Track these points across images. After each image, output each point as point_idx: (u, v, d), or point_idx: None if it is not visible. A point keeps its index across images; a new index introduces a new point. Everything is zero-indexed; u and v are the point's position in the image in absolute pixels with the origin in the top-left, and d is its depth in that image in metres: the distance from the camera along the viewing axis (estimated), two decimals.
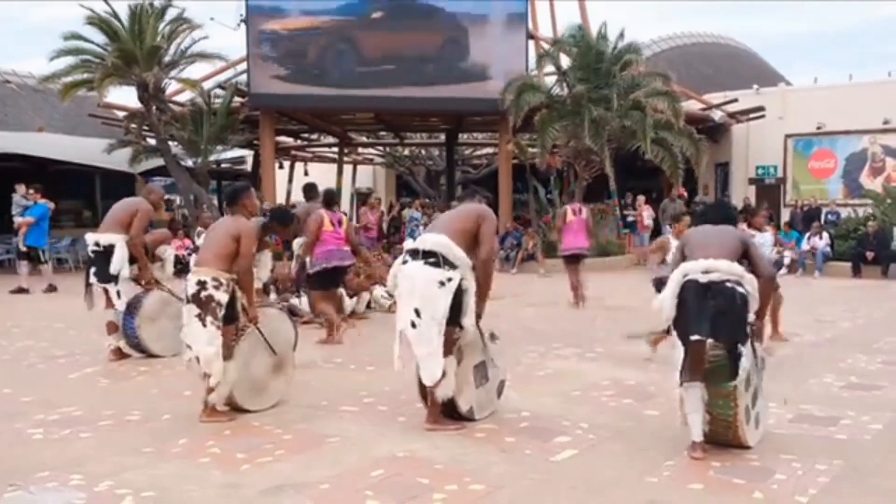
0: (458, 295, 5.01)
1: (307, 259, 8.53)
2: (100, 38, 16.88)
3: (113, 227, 7.50)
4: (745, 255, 4.76)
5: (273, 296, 9.92)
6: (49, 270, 14.01)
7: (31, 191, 14.14)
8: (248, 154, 26.80)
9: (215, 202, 21.29)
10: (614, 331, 9.03)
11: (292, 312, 9.19)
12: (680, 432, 4.74)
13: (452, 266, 5.01)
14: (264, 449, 4.74)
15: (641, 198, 20.31)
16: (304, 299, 9.80)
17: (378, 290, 10.77)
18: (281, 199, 22.33)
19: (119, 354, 7.55)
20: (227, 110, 18.41)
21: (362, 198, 26.35)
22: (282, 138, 23.44)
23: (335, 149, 24.89)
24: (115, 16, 16.82)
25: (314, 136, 25.20)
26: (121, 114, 20.99)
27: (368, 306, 10.63)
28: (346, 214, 10.13)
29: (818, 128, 23.04)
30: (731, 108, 22.58)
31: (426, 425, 5.11)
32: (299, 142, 25.66)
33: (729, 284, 4.52)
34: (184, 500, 3.97)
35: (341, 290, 9.66)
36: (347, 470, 4.38)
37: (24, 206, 14.27)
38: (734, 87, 24.82)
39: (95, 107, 20.50)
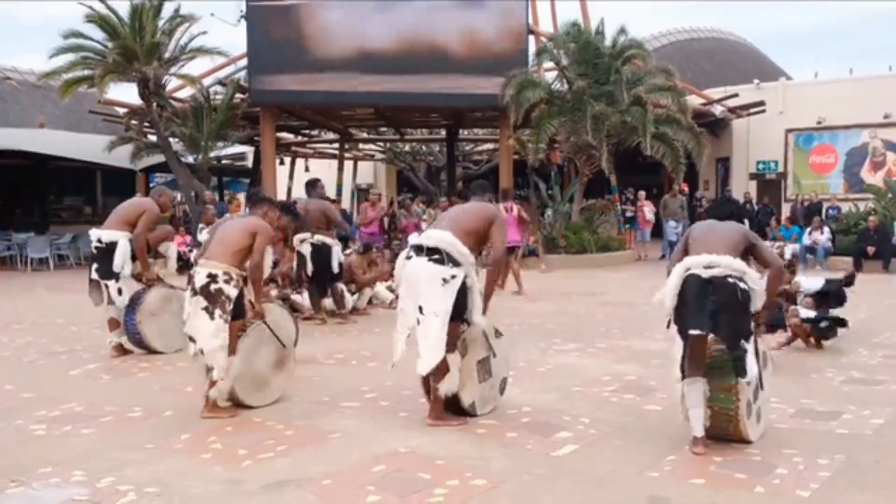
0: (463, 292, 5.02)
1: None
2: (99, 35, 16.87)
3: (118, 225, 7.51)
4: (750, 252, 4.76)
5: (274, 292, 9.92)
6: None
7: None
8: (248, 150, 26.81)
9: (216, 198, 21.30)
10: (615, 326, 9.03)
11: (293, 308, 9.20)
12: (681, 427, 4.74)
13: (456, 263, 5.00)
14: (266, 445, 4.75)
15: (642, 193, 20.30)
16: (305, 295, 9.81)
17: (380, 286, 10.78)
18: (282, 195, 22.35)
19: (121, 351, 7.56)
20: (227, 106, 18.40)
21: (363, 194, 26.35)
22: (282, 134, 23.42)
23: (336, 145, 24.88)
24: (115, 13, 16.80)
25: (315, 132, 25.18)
26: (121, 110, 20.99)
27: (370, 302, 10.64)
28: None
29: (819, 122, 23.03)
30: (732, 102, 22.58)
31: (428, 421, 5.11)
32: (300, 138, 25.64)
33: (731, 280, 4.52)
34: (186, 496, 3.98)
35: (342, 286, 9.69)
36: (349, 465, 4.39)
37: None
38: (734, 82, 24.79)
39: (96, 103, 20.50)
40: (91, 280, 7.57)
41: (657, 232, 19.96)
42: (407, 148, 28.10)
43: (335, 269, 9.39)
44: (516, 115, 16.80)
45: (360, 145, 27.93)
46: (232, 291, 5.36)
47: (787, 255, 14.19)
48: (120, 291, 7.44)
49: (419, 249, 5.11)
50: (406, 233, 15.91)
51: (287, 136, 24.78)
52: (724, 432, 4.68)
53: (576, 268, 16.12)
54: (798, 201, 21.17)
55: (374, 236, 14.41)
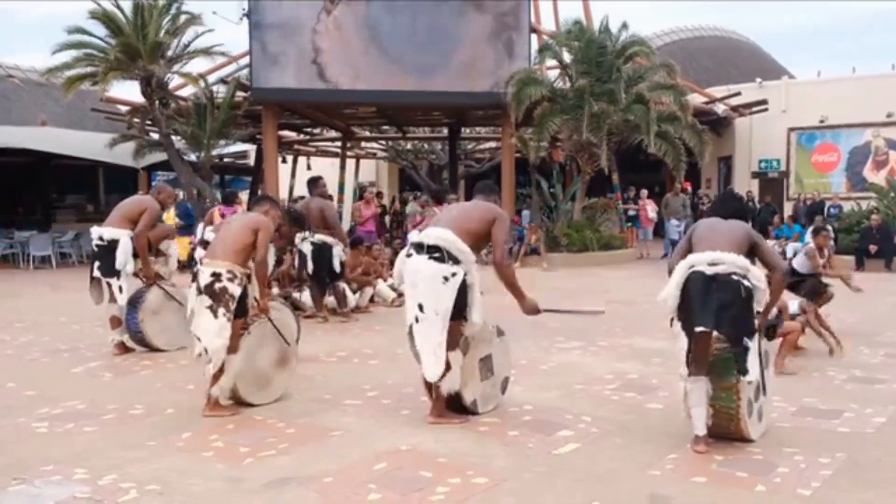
0: (463, 290, 5.01)
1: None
2: (102, 31, 16.87)
3: (119, 222, 7.51)
4: (754, 251, 4.75)
5: (275, 290, 9.92)
6: None
7: None
8: (251, 149, 26.80)
9: (218, 196, 21.30)
10: (617, 324, 9.03)
11: (295, 307, 9.21)
12: (683, 426, 4.74)
13: (456, 261, 4.99)
14: (267, 443, 4.75)
15: (644, 192, 20.28)
16: (307, 294, 9.81)
17: (381, 285, 10.78)
18: (284, 193, 22.36)
19: (123, 349, 7.57)
20: (229, 105, 18.40)
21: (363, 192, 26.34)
22: (285, 133, 23.42)
23: (338, 143, 24.87)
24: (121, 10, 16.81)
25: (317, 131, 25.18)
26: (123, 108, 20.99)
27: (371, 300, 10.64)
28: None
29: (821, 121, 22.99)
30: (734, 101, 22.54)
31: (430, 419, 5.12)
32: (302, 136, 25.63)
33: (735, 277, 4.51)
34: (187, 494, 3.98)
35: (343, 285, 9.69)
36: (351, 463, 4.39)
37: None
38: (737, 81, 24.78)
39: (98, 101, 20.50)
40: (92, 278, 7.58)
41: (659, 231, 19.95)
42: (409, 146, 28.09)
43: (337, 268, 9.39)
44: (517, 112, 16.77)
45: (363, 143, 27.92)
46: (236, 290, 5.37)
47: (789, 254, 14.18)
48: (121, 289, 7.45)
49: (419, 247, 5.11)
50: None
51: (289, 135, 24.77)
52: (725, 431, 4.68)
53: (578, 266, 16.12)
54: (800, 200, 21.15)
55: (372, 234, 14.39)
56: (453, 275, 4.95)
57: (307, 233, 9.25)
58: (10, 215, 20.09)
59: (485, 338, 5.35)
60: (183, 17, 17.15)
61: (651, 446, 4.68)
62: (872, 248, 15.57)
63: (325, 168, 23.23)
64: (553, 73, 19.65)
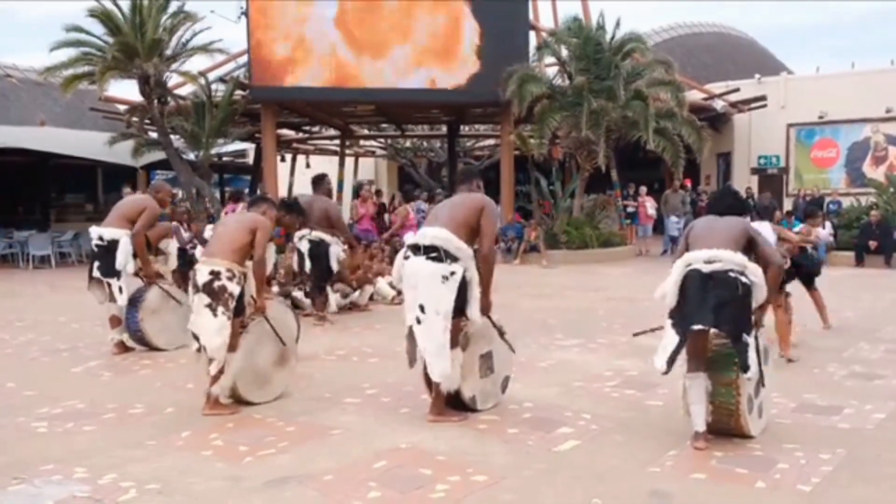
0: (463, 287, 5.01)
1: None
2: (100, 30, 16.83)
3: (118, 222, 7.50)
4: (752, 247, 4.75)
5: (275, 288, 9.91)
6: None
7: None
8: (249, 147, 26.79)
9: (217, 196, 21.30)
10: (616, 321, 9.03)
11: (294, 305, 9.20)
12: (682, 423, 4.74)
13: (454, 259, 4.99)
14: (267, 441, 4.75)
15: (643, 189, 20.27)
16: None
17: (381, 282, 10.77)
18: (283, 192, 22.33)
19: (122, 348, 7.56)
20: (228, 103, 18.38)
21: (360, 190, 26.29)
22: (283, 131, 23.42)
23: (337, 141, 24.86)
24: (119, 9, 16.79)
25: (316, 129, 25.17)
26: (122, 107, 20.96)
27: (371, 298, 10.63)
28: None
29: (820, 117, 22.99)
30: (733, 97, 22.51)
31: (430, 417, 5.12)
32: (301, 134, 25.62)
33: (732, 274, 4.51)
34: (187, 493, 3.98)
35: (329, 288, 9.58)
36: (350, 462, 4.39)
37: None
38: (736, 77, 24.73)
39: (97, 101, 20.48)
40: (92, 278, 7.58)
41: (659, 227, 19.94)
42: (408, 144, 28.07)
43: (334, 266, 9.21)
44: (520, 108, 16.78)
45: (361, 141, 27.91)
46: (235, 288, 5.37)
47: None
48: (121, 289, 7.44)
49: (416, 249, 5.10)
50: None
51: (288, 133, 24.77)
52: (725, 427, 4.68)
53: (577, 263, 16.12)
54: (800, 196, 21.14)
55: (369, 233, 14.36)
56: (452, 273, 4.95)
57: (307, 231, 9.20)
58: (10, 215, 20.08)
59: (485, 334, 5.35)
60: (182, 15, 17.11)
61: (651, 443, 4.68)
62: (872, 244, 15.58)
63: (324, 166, 23.17)
64: (551, 71, 19.65)
